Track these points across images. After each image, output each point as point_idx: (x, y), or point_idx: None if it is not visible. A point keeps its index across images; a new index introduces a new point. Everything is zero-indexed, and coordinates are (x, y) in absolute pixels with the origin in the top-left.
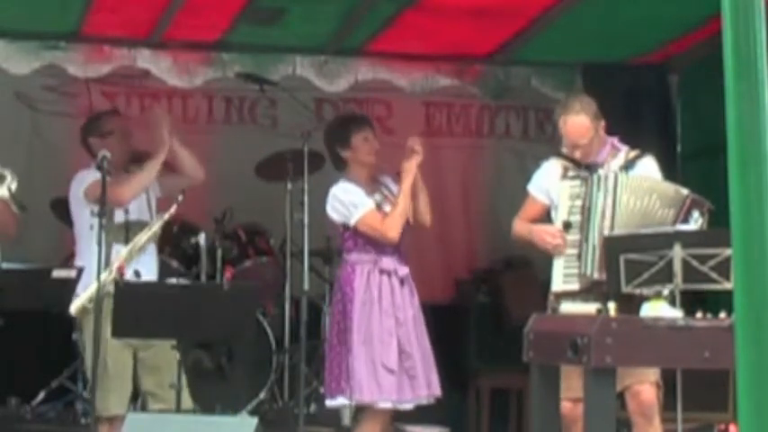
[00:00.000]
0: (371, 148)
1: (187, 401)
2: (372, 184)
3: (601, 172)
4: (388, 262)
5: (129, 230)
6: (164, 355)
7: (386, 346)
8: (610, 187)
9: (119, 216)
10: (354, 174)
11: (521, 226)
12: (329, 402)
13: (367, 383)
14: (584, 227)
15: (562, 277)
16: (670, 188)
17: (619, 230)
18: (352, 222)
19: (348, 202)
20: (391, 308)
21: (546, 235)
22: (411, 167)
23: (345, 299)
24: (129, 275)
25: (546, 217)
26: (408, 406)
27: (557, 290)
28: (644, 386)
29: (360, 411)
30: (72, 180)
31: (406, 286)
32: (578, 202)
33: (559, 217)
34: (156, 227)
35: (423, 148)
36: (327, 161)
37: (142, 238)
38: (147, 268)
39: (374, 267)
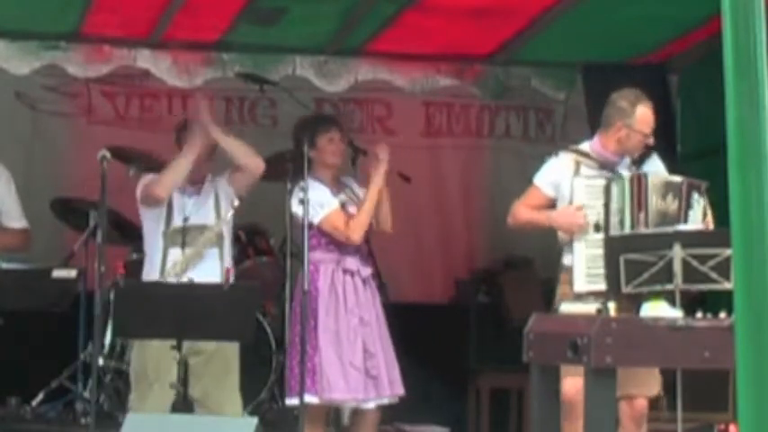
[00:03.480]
0: (337, 149)
1: (237, 408)
2: (337, 185)
3: (626, 173)
4: (352, 262)
5: (186, 235)
6: (214, 363)
7: (351, 345)
8: (642, 189)
9: (177, 220)
10: (319, 174)
11: (527, 212)
12: (289, 401)
13: (336, 382)
14: (609, 228)
15: (585, 277)
16: (672, 179)
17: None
18: (316, 221)
19: (314, 200)
20: (356, 307)
21: (568, 217)
22: (379, 173)
23: (309, 298)
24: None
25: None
26: (371, 405)
27: (580, 290)
28: (641, 396)
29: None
30: None
31: (368, 287)
32: (599, 202)
33: None
34: (209, 232)
35: (388, 156)
36: None
37: (198, 243)
38: (206, 274)
39: (338, 267)
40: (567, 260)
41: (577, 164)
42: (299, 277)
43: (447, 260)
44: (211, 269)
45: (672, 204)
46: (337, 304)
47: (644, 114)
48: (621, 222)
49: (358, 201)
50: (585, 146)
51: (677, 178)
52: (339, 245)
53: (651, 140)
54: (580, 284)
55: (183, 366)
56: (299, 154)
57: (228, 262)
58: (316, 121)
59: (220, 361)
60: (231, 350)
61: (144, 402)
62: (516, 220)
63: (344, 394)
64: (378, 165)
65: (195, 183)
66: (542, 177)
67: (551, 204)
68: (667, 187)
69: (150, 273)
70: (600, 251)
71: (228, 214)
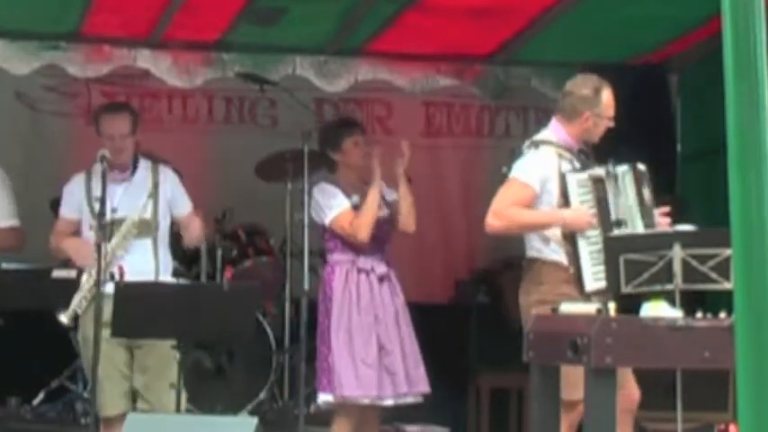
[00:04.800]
0: (361, 152)
1: (171, 401)
2: (361, 187)
3: (619, 168)
4: (366, 261)
5: (114, 227)
6: (154, 355)
7: (365, 343)
8: (641, 181)
9: (107, 215)
10: (342, 176)
11: (525, 213)
12: (321, 397)
13: (347, 380)
14: (606, 223)
15: (592, 275)
16: (641, 168)
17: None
18: (326, 223)
19: (324, 203)
20: (370, 305)
21: (583, 216)
22: (377, 173)
23: (326, 298)
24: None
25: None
26: (389, 402)
27: (591, 289)
28: (634, 387)
29: (335, 408)
30: None
31: (385, 284)
32: (588, 196)
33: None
34: (128, 222)
35: (410, 153)
36: None
37: (119, 235)
38: (133, 270)
39: (352, 267)
40: (561, 258)
41: (559, 157)
42: (323, 278)
43: (447, 260)
44: (142, 263)
45: (648, 192)
46: (350, 303)
47: (608, 99)
48: (633, 217)
49: (384, 202)
50: (550, 136)
51: (642, 167)
52: (354, 245)
53: (613, 123)
54: (590, 284)
55: (131, 358)
56: (325, 157)
57: (166, 256)
58: (341, 124)
59: (157, 355)
60: (167, 345)
61: (100, 398)
62: (511, 222)
63: (355, 391)
64: (377, 162)
65: (124, 168)
66: (530, 173)
67: (534, 201)
68: (644, 176)
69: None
70: (597, 246)
71: (166, 218)
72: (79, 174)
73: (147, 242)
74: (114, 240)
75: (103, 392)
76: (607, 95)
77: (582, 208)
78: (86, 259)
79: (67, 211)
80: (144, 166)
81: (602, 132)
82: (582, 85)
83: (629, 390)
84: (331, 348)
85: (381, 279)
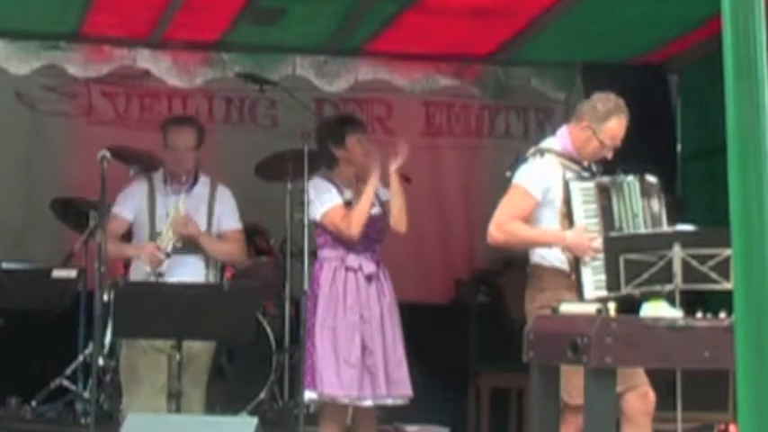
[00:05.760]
0: (364, 149)
1: (198, 406)
2: (357, 184)
3: (624, 177)
4: (355, 259)
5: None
6: (192, 362)
7: (348, 342)
8: (648, 191)
9: (164, 220)
10: (341, 172)
11: (527, 229)
12: (307, 395)
13: (329, 378)
14: (609, 231)
15: (593, 284)
16: (651, 180)
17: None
18: (317, 217)
19: (315, 198)
20: (356, 304)
21: (585, 241)
22: (379, 169)
23: (313, 295)
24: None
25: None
26: (368, 403)
27: (590, 297)
28: (649, 387)
29: (322, 408)
30: None
31: (373, 284)
32: (592, 205)
33: (576, 219)
34: (174, 210)
35: (406, 153)
36: None
37: (167, 223)
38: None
39: (341, 264)
40: (564, 265)
41: (564, 167)
42: (312, 275)
43: (447, 260)
44: (194, 274)
45: (657, 205)
46: (336, 302)
47: (613, 128)
48: (638, 228)
49: (379, 202)
50: (555, 144)
51: (653, 178)
52: (344, 243)
53: (609, 155)
54: (590, 292)
55: (170, 364)
56: (325, 151)
57: (214, 273)
58: (344, 121)
59: (199, 362)
60: (209, 352)
61: (135, 402)
62: (513, 238)
63: (338, 390)
64: (376, 160)
65: (183, 182)
66: (533, 182)
67: (537, 210)
68: (653, 188)
69: (137, 270)
70: (600, 255)
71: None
72: (140, 180)
73: (199, 260)
74: (164, 231)
75: (144, 394)
76: (615, 123)
77: (584, 234)
78: (155, 256)
79: (124, 211)
80: (203, 182)
81: (592, 154)
82: (600, 99)
83: (645, 390)
84: (315, 346)
85: (369, 278)
